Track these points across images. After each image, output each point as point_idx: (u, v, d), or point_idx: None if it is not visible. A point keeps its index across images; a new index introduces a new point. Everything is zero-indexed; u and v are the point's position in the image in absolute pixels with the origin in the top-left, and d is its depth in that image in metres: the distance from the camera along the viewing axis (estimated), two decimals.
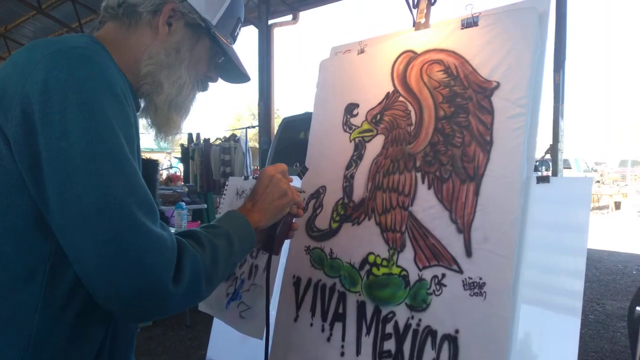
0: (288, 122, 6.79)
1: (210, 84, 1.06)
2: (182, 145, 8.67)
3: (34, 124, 0.72)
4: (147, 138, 1.08)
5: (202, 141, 7.76)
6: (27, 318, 0.76)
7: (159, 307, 0.76)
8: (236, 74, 1.08)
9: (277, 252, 1.14)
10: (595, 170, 18.92)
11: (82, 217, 0.70)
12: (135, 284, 0.72)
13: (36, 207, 0.75)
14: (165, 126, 0.98)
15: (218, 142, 7.56)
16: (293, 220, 1.13)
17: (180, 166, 9.24)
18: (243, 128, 7.47)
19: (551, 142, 4.39)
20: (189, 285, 0.78)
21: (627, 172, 20.78)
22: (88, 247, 0.71)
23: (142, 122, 0.99)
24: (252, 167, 8.44)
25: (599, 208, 14.42)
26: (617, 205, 14.72)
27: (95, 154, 0.71)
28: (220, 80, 1.08)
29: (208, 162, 7.37)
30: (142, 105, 0.99)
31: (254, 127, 8.63)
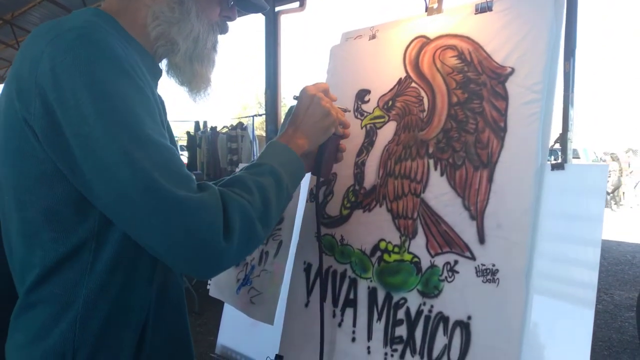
0: None
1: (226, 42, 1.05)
2: (188, 133, 8.67)
3: (56, 115, 0.73)
4: None
5: (209, 129, 7.76)
6: (75, 294, 0.80)
7: (217, 264, 0.79)
8: (254, 5, 1.05)
9: (327, 175, 1.13)
10: (604, 160, 18.74)
11: (123, 195, 0.72)
12: (187, 248, 0.75)
13: (74, 192, 0.78)
14: (193, 81, 0.97)
15: (225, 130, 7.56)
16: (340, 142, 1.11)
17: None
18: (250, 116, 7.46)
19: (561, 131, 4.34)
20: (243, 235, 0.80)
21: (637, 162, 20.49)
22: (137, 222, 0.74)
23: (172, 82, 0.99)
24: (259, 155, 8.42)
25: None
26: (625, 196, 14.59)
27: (114, 134, 0.72)
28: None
29: (215, 150, 7.38)
30: (165, 68, 0.99)
31: (260, 115, 8.60)
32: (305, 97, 1.04)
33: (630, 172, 15.09)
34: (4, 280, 0.91)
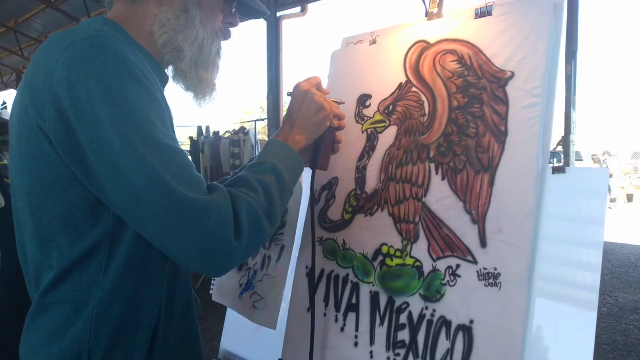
0: None
1: (224, 51, 1.06)
2: (191, 138, 8.69)
3: (71, 121, 0.75)
4: None
5: (211, 134, 7.77)
6: (90, 295, 0.83)
7: (229, 262, 0.82)
8: (255, 11, 1.08)
9: (325, 167, 1.15)
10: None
11: (136, 198, 0.75)
12: (201, 248, 0.78)
13: (88, 196, 0.80)
14: (199, 87, 1.00)
15: (227, 135, 7.57)
16: (336, 134, 1.13)
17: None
18: (252, 121, 7.47)
19: (563, 134, 4.33)
20: (251, 232, 0.83)
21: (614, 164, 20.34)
22: (149, 223, 0.76)
23: (178, 88, 1.02)
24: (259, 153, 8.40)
25: (610, 201, 14.27)
26: (630, 198, 14.57)
27: (128, 139, 0.74)
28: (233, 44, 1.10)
29: (218, 155, 7.39)
30: (171, 74, 1.01)
31: (263, 120, 8.62)
32: (299, 94, 1.07)
33: (610, 175, 15.09)
34: (9, 287, 0.93)
